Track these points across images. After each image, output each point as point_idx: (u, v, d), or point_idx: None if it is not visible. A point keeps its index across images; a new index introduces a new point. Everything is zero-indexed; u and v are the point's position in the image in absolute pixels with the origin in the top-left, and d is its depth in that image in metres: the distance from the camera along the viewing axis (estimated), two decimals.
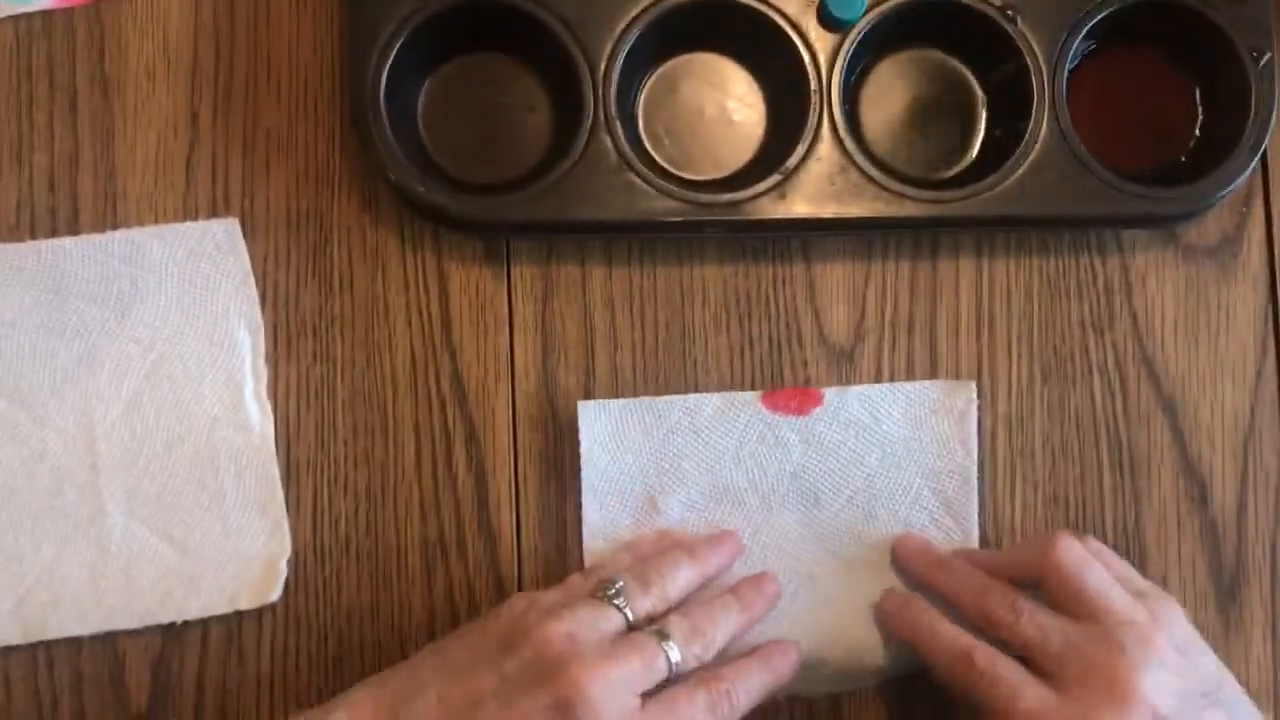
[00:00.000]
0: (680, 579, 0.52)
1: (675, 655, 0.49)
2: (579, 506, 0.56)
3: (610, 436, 0.56)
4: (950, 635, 0.51)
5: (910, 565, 0.56)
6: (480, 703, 0.46)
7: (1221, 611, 0.58)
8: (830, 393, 0.57)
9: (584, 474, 0.56)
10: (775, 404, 0.57)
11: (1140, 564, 0.58)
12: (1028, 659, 0.49)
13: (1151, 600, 0.51)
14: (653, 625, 0.50)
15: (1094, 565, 0.51)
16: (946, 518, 0.57)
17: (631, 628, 0.50)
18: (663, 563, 0.52)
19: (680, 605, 0.51)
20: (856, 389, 0.57)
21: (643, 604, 0.51)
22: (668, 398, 0.57)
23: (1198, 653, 0.50)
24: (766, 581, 0.54)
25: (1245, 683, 0.53)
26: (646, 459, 0.56)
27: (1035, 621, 0.50)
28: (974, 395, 0.57)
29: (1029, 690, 0.48)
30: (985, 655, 0.50)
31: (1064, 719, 0.47)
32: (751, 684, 0.50)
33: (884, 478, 0.57)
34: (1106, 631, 0.48)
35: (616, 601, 0.50)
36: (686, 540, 0.55)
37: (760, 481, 0.56)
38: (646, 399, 0.57)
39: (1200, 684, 0.49)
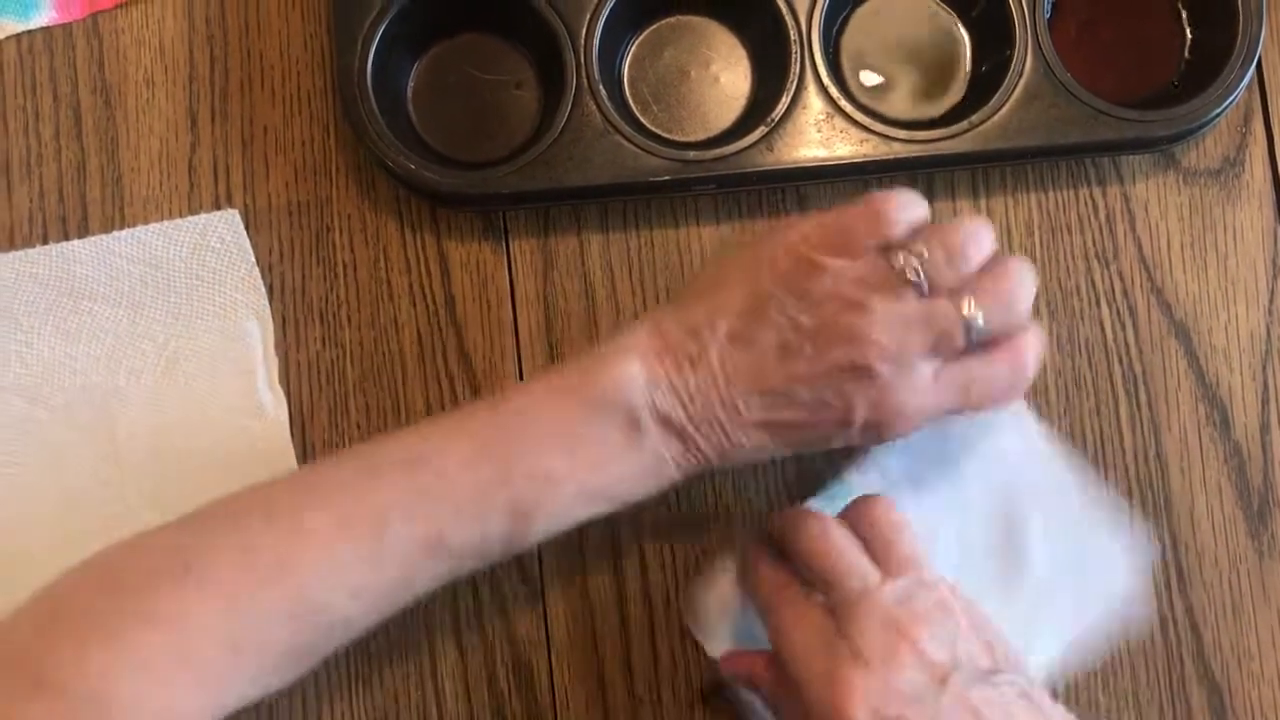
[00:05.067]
0: (984, 246, 0.48)
1: (979, 324, 0.46)
2: None
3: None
4: (769, 569, 0.50)
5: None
6: (783, 347, 0.46)
7: (1254, 536, 0.57)
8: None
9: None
10: None
11: (1165, 494, 0.57)
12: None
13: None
14: (959, 294, 0.46)
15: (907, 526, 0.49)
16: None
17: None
18: (965, 231, 0.48)
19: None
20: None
21: (947, 276, 0.46)
22: None
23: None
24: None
25: None
26: None
27: (840, 552, 0.47)
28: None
29: (817, 616, 0.46)
30: (792, 586, 0.48)
31: (834, 649, 0.44)
32: (1028, 353, 0.48)
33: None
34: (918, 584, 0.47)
35: (915, 280, 0.46)
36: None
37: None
38: None
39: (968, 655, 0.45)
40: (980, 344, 0.47)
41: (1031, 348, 0.48)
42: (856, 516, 0.49)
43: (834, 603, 0.46)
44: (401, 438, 0.48)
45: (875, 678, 0.43)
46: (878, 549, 0.48)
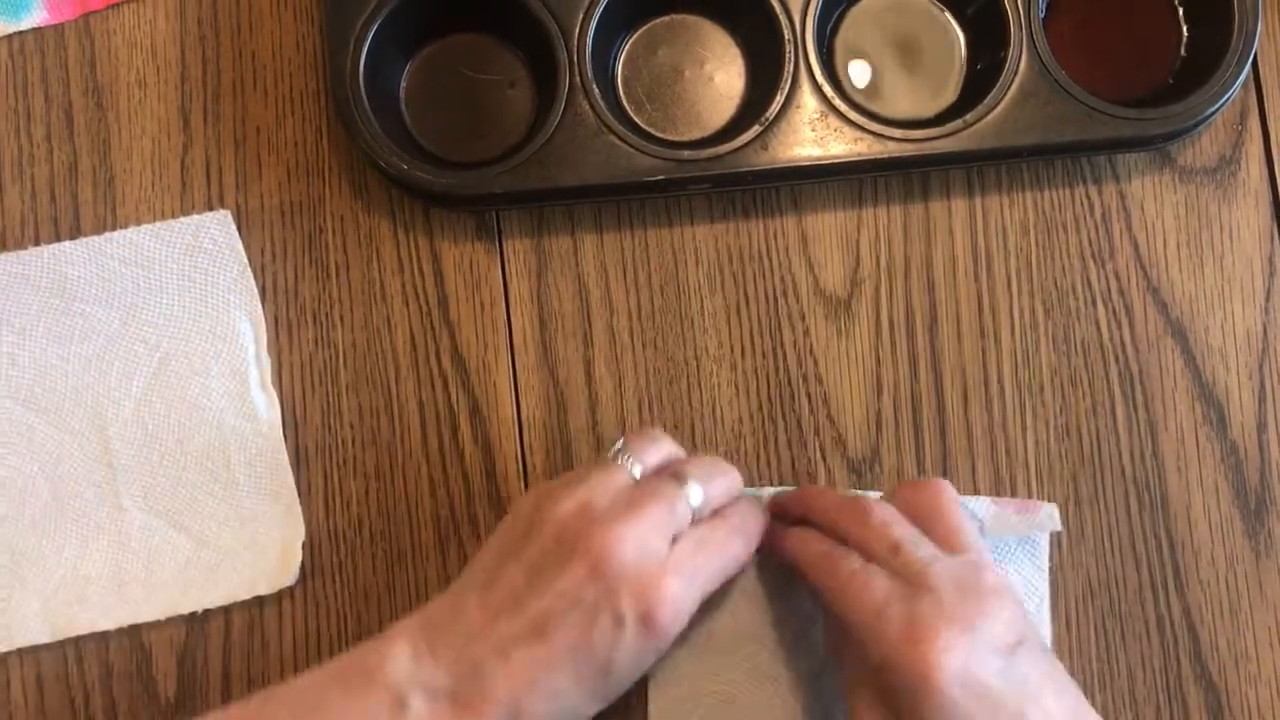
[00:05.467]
0: (677, 447, 0.52)
1: (696, 498, 0.48)
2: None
3: None
4: (816, 541, 0.50)
5: (784, 500, 0.54)
6: (518, 597, 0.46)
7: (1250, 536, 0.57)
8: None
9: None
10: None
11: (1162, 494, 0.57)
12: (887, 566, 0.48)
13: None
14: (670, 469, 0.49)
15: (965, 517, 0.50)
16: None
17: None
18: (655, 428, 0.52)
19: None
20: None
21: (649, 457, 0.50)
22: None
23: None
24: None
25: None
26: None
27: (905, 527, 0.48)
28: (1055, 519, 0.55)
29: (881, 581, 0.46)
30: (846, 556, 0.48)
31: (911, 608, 0.45)
32: (749, 514, 0.51)
33: None
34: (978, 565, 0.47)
35: (621, 459, 0.49)
36: None
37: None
38: None
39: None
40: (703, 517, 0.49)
41: (751, 509, 0.51)
42: (906, 500, 0.50)
43: (904, 570, 0.46)
44: None
45: (962, 636, 0.44)
46: (934, 530, 0.49)
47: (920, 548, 0.47)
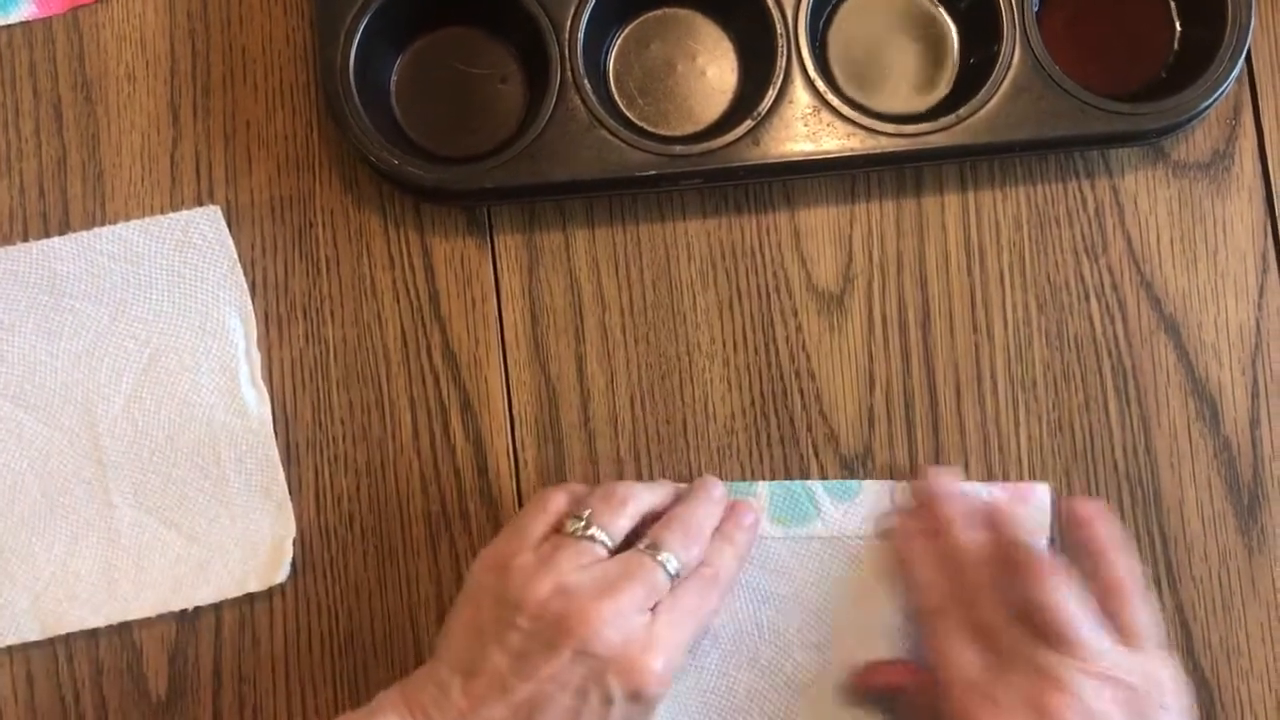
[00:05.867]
0: (643, 496, 0.52)
1: (673, 565, 0.49)
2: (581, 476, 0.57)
3: None
4: (930, 580, 0.51)
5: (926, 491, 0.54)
6: (504, 684, 0.46)
7: (1243, 532, 0.57)
8: None
9: None
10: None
11: (1155, 489, 0.57)
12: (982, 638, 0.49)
13: (1150, 656, 0.49)
14: (641, 543, 0.50)
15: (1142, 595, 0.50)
16: None
17: (613, 552, 0.49)
18: (618, 485, 0.52)
19: (656, 520, 0.51)
20: None
21: (618, 525, 0.50)
22: None
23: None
24: (743, 511, 0.53)
25: (1274, 602, 0.51)
26: None
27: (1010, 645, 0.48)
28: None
29: (968, 660, 0.48)
30: (949, 619, 0.49)
31: (976, 703, 0.46)
32: (727, 558, 0.51)
33: None
34: (1084, 660, 0.47)
35: (590, 533, 0.49)
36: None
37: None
38: None
39: None
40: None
41: (726, 560, 0.51)
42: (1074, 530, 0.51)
43: (1037, 660, 0.47)
44: None
45: None
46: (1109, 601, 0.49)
47: (1097, 642, 0.47)
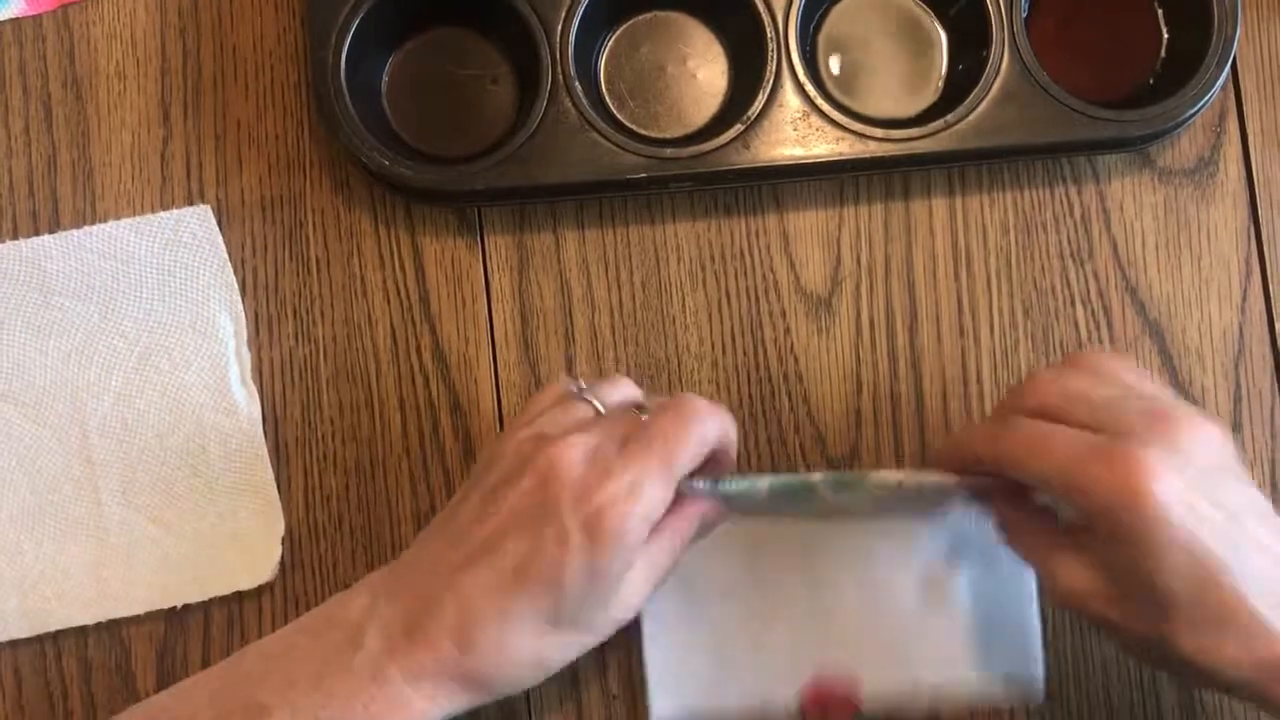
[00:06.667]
0: (639, 391, 0.51)
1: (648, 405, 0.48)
2: None
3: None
4: (979, 428, 0.48)
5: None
6: (471, 524, 0.45)
7: None
8: None
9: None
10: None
11: None
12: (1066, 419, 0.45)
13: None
14: (630, 405, 0.49)
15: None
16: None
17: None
18: (619, 376, 0.52)
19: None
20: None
21: (612, 395, 0.49)
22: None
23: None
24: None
25: None
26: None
27: (1078, 378, 0.46)
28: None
29: (1067, 434, 0.43)
30: (1016, 420, 0.45)
31: (1111, 448, 0.42)
32: (704, 403, 0.48)
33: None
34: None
35: (585, 395, 0.48)
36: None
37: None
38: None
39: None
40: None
41: (689, 399, 0.47)
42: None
43: (1088, 420, 0.44)
44: (159, 698, 0.48)
45: (1168, 459, 0.41)
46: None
47: (1095, 390, 0.44)
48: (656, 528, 0.46)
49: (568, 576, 0.44)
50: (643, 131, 0.58)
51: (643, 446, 0.45)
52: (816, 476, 0.48)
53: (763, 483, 0.48)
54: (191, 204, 0.58)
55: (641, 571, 0.46)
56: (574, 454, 0.44)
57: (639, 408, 0.48)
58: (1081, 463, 0.42)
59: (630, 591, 0.46)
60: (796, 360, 0.58)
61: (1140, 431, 0.42)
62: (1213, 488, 0.42)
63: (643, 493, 0.44)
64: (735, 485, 0.48)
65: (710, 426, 0.47)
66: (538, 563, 0.44)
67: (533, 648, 0.45)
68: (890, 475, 0.48)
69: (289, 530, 0.57)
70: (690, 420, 0.46)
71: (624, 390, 0.50)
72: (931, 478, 0.49)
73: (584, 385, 0.49)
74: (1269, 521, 0.43)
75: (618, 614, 0.46)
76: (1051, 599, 0.48)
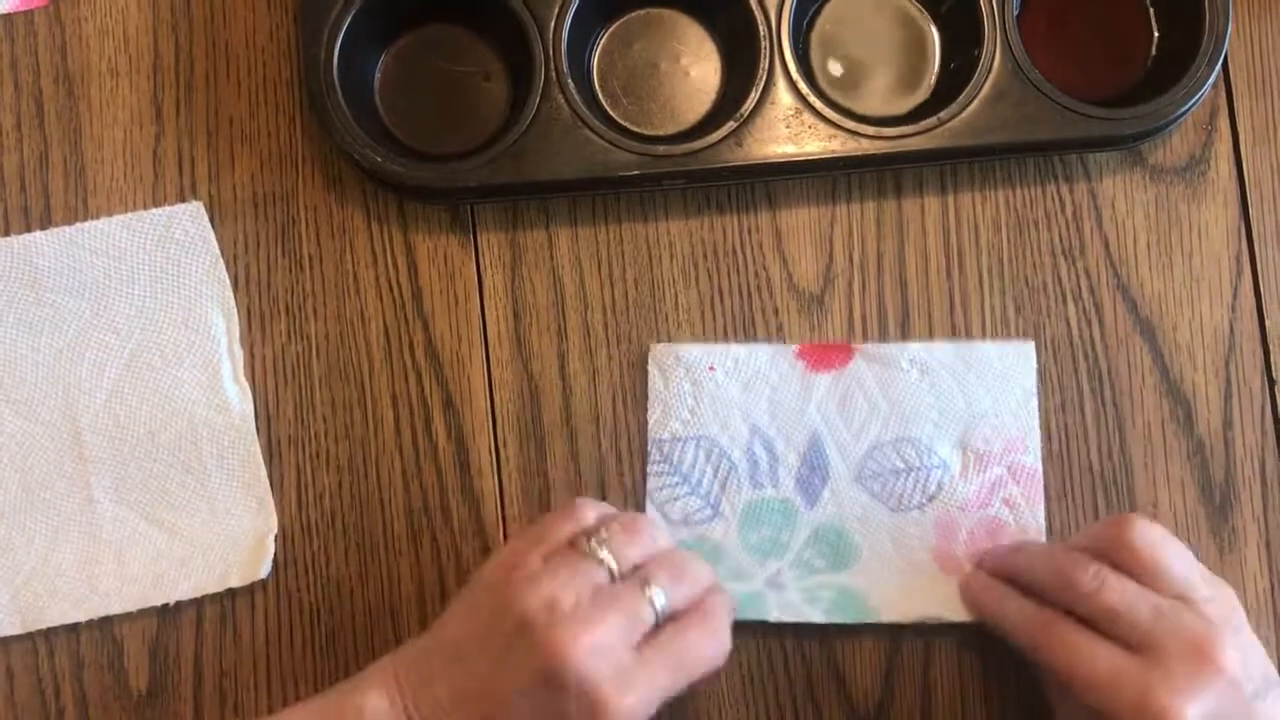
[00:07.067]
0: (663, 536, 0.51)
1: (661, 601, 0.48)
2: (579, 456, 0.57)
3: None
4: (1023, 607, 0.51)
5: (985, 558, 0.55)
6: (478, 688, 0.47)
7: (1214, 533, 0.58)
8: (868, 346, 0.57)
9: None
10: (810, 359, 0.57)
11: (1129, 490, 0.58)
12: (1106, 630, 0.49)
13: (1218, 584, 0.50)
14: (635, 573, 0.49)
15: (1174, 544, 0.50)
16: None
17: (615, 579, 0.49)
18: (642, 517, 0.52)
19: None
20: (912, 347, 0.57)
21: (629, 553, 0.49)
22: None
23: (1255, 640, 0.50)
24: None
25: (1242, 601, 0.52)
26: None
27: (1121, 589, 0.48)
28: (1032, 358, 0.57)
29: (1105, 653, 0.47)
30: (1060, 624, 0.49)
31: (1144, 681, 0.46)
32: (720, 603, 0.50)
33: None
34: (1193, 605, 0.48)
35: (600, 555, 0.48)
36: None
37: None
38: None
39: (1264, 664, 0.49)
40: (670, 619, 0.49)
41: (720, 605, 0.50)
42: (1098, 538, 0.51)
43: (1128, 637, 0.47)
44: None
45: (1199, 701, 0.45)
46: (1137, 570, 0.49)
47: (1137, 608, 0.48)
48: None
49: None
50: (635, 129, 0.58)
51: (669, 660, 0.47)
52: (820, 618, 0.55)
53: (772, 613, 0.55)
54: (183, 200, 0.58)
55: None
56: (582, 655, 0.45)
57: (642, 579, 0.48)
58: (1118, 689, 0.46)
59: None
60: None
61: (1176, 666, 0.46)
62: (1247, 712, 0.46)
63: (654, 700, 0.47)
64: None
65: (722, 647, 0.49)
66: None
67: None
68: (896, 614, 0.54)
69: (281, 527, 0.57)
70: (714, 634, 0.49)
71: (639, 544, 0.50)
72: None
73: (603, 535, 0.49)
74: None
75: None
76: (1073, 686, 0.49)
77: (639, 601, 0.48)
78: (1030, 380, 0.57)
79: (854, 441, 0.56)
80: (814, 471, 0.56)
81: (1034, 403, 0.57)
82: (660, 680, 0.47)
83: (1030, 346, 0.57)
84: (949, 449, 0.56)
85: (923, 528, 0.56)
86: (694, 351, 0.57)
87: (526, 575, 0.48)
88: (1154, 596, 0.48)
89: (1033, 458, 0.57)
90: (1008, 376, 0.57)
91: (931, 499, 0.56)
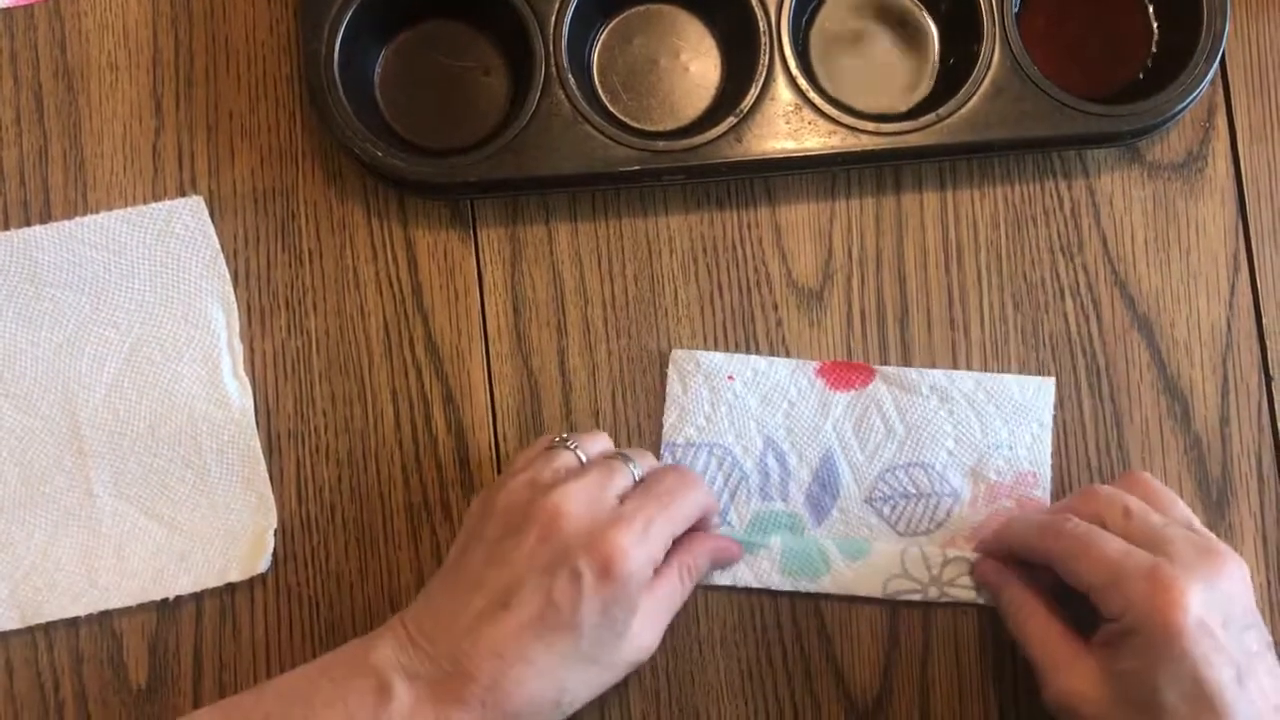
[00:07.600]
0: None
1: (639, 470, 0.51)
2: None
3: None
4: (1029, 520, 0.53)
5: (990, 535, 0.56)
6: (480, 577, 0.48)
7: (1211, 528, 0.58)
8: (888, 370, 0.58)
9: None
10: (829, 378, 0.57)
11: None
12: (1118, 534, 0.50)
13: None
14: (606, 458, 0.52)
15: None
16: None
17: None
18: (599, 431, 0.56)
19: None
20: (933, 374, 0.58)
21: (594, 446, 0.52)
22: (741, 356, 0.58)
23: None
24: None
25: None
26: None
27: (1132, 501, 0.51)
28: (1052, 394, 0.58)
29: (1117, 541, 0.49)
30: (1070, 522, 0.50)
31: (1153, 559, 0.47)
32: (691, 473, 0.53)
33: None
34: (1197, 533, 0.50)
35: (570, 446, 0.51)
36: None
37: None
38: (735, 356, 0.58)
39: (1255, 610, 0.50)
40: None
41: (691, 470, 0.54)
42: (1118, 481, 0.54)
43: (1139, 533, 0.49)
44: None
45: (1202, 589, 0.46)
46: (1154, 505, 0.51)
47: (1151, 514, 0.50)
48: (664, 568, 0.50)
49: (584, 616, 0.47)
50: (635, 124, 0.58)
51: (652, 499, 0.50)
52: (830, 545, 0.54)
53: (776, 541, 0.55)
54: (184, 195, 0.58)
55: (649, 613, 0.49)
56: (574, 502, 0.48)
57: (620, 456, 0.51)
58: (1128, 573, 0.47)
59: (640, 631, 0.49)
60: (788, 352, 0.58)
61: (1189, 562, 0.47)
62: (1240, 631, 0.47)
63: (650, 539, 0.48)
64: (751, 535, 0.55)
65: (704, 494, 0.53)
66: (555, 607, 0.47)
67: (555, 688, 0.48)
68: (895, 551, 0.55)
69: (281, 522, 0.57)
70: (692, 483, 0.52)
71: (601, 443, 0.53)
72: (937, 553, 0.55)
73: (566, 436, 0.52)
74: (1276, 674, 0.47)
75: (631, 655, 0.49)
76: (1046, 693, 0.50)
77: (615, 466, 0.51)
78: (1047, 415, 0.57)
79: (867, 463, 0.57)
80: (825, 489, 0.56)
81: (1048, 436, 0.57)
82: (652, 517, 0.49)
83: (1051, 382, 0.57)
84: (961, 478, 0.56)
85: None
86: (714, 359, 0.57)
87: (504, 480, 0.51)
88: (1162, 515, 0.50)
89: (1042, 491, 0.57)
90: (1026, 410, 0.57)
91: (939, 526, 0.56)
